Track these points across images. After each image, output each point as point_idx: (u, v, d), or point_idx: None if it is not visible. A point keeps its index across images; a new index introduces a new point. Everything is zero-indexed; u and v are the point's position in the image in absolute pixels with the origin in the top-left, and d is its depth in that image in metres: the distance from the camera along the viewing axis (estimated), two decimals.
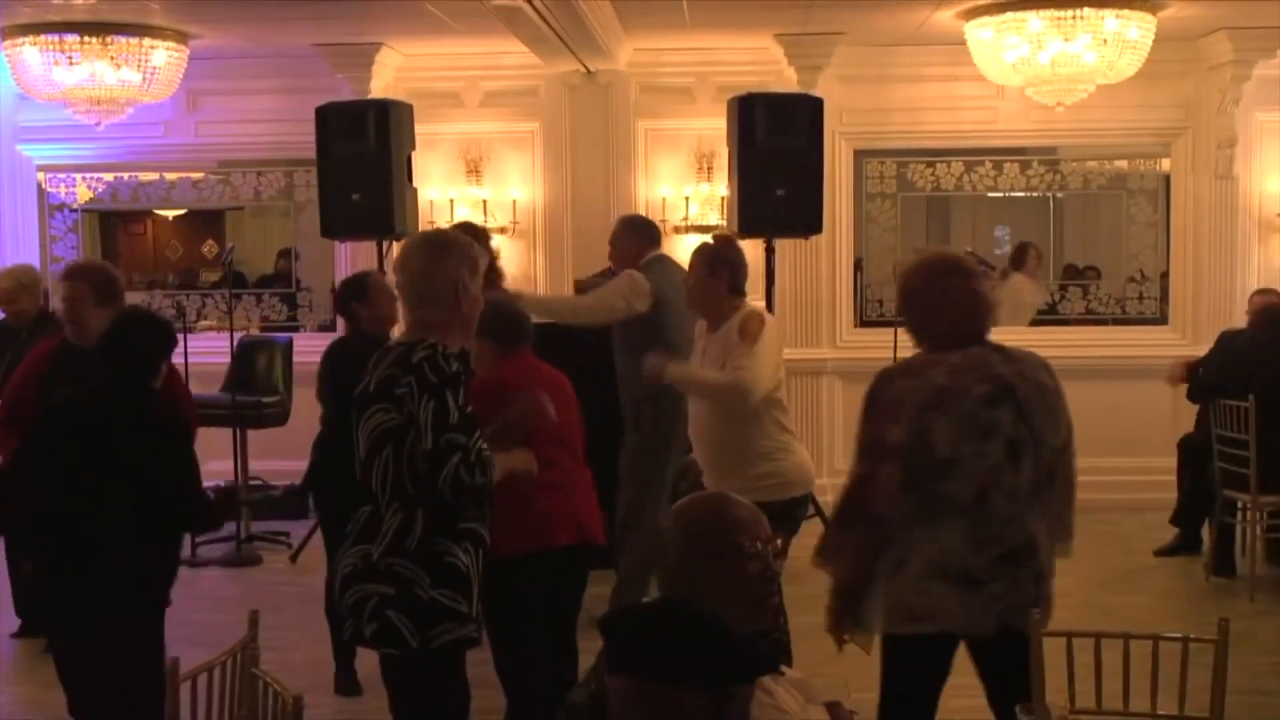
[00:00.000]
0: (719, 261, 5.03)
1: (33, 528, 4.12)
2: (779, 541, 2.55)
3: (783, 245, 8.46)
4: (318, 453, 5.56)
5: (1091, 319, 9.57)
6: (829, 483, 8.91)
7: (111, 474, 3.95)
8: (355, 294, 5.63)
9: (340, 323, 9.55)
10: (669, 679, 1.91)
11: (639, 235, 6.55)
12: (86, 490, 3.96)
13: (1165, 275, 9.42)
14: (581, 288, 7.66)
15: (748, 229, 7.75)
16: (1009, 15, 7.71)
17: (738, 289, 5.04)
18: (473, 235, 5.43)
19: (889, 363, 8.64)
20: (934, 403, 3.52)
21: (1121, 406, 9.01)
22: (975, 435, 3.50)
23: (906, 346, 9.08)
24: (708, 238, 6.56)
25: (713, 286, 4.99)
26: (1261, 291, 8.03)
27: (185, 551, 6.56)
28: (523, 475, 3.74)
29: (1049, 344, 9.03)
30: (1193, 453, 7.62)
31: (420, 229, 8.54)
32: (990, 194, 10.01)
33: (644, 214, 9.14)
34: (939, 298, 3.65)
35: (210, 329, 9.57)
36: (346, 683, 5.52)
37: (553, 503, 4.29)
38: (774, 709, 2.39)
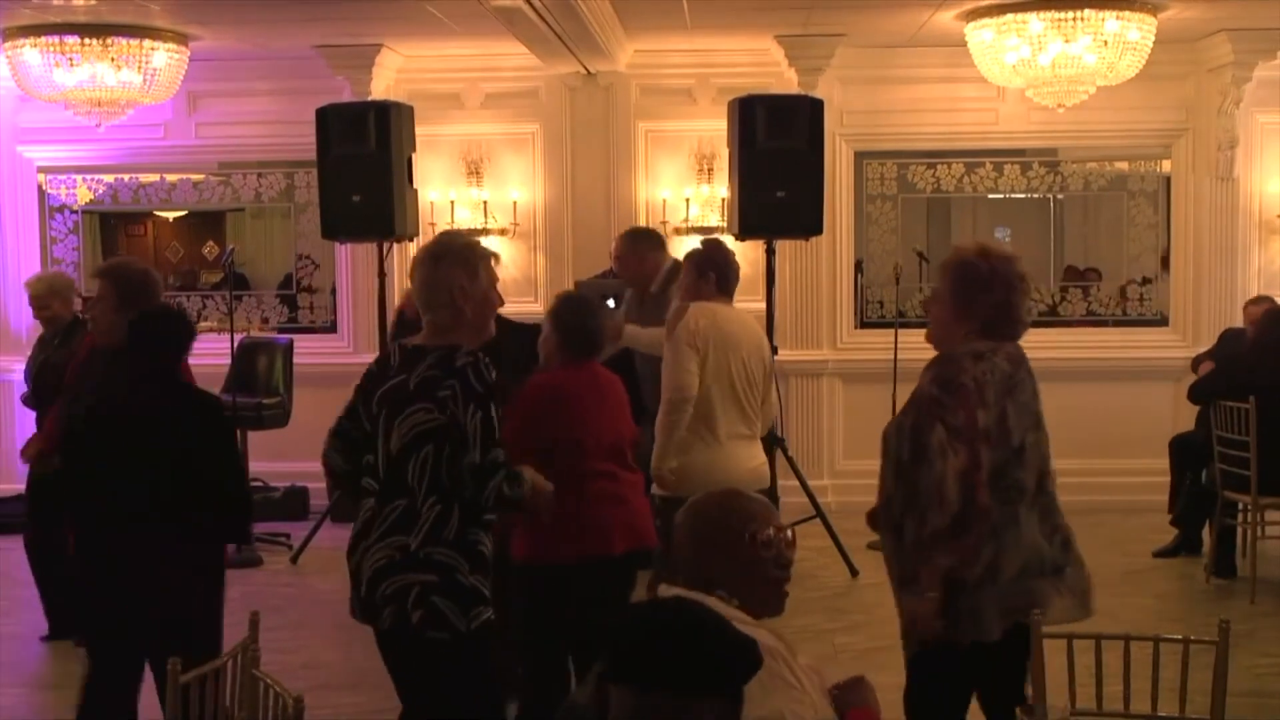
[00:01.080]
0: (708, 263, 5.30)
1: (81, 530, 4.15)
2: (789, 532, 2.60)
3: (783, 246, 8.46)
4: None
5: (1092, 320, 9.56)
6: (829, 484, 8.92)
7: (161, 466, 4.01)
8: None
9: (335, 326, 9.64)
10: (679, 688, 1.93)
11: (650, 246, 6.69)
12: (136, 486, 4.00)
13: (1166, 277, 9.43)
14: (583, 289, 7.66)
15: (748, 230, 7.75)
16: (1009, 17, 7.71)
17: (726, 290, 5.30)
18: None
19: (890, 364, 8.69)
20: (1006, 389, 3.51)
21: (1121, 408, 9.01)
22: (1032, 424, 3.56)
23: (907, 348, 9.11)
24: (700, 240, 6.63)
25: (701, 288, 5.25)
26: (1256, 300, 8.03)
27: None
28: (543, 496, 3.81)
29: (1050, 345, 9.06)
30: (1191, 453, 7.63)
31: (421, 231, 8.56)
32: (991, 195, 10.01)
33: (644, 216, 9.19)
34: (1019, 285, 3.59)
35: (211, 330, 9.56)
36: None
37: (611, 511, 4.38)
38: (781, 679, 2.42)
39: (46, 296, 6.67)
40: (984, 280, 3.55)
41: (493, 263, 3.73)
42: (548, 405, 4.30)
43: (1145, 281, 9.53)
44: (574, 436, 4.30)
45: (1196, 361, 8.09)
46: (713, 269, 5.28)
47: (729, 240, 8.10)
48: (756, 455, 5.41)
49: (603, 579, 4.31)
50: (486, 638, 3.56)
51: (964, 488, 3.38)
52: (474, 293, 3.58)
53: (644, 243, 6.79)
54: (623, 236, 7.03)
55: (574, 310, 4.51)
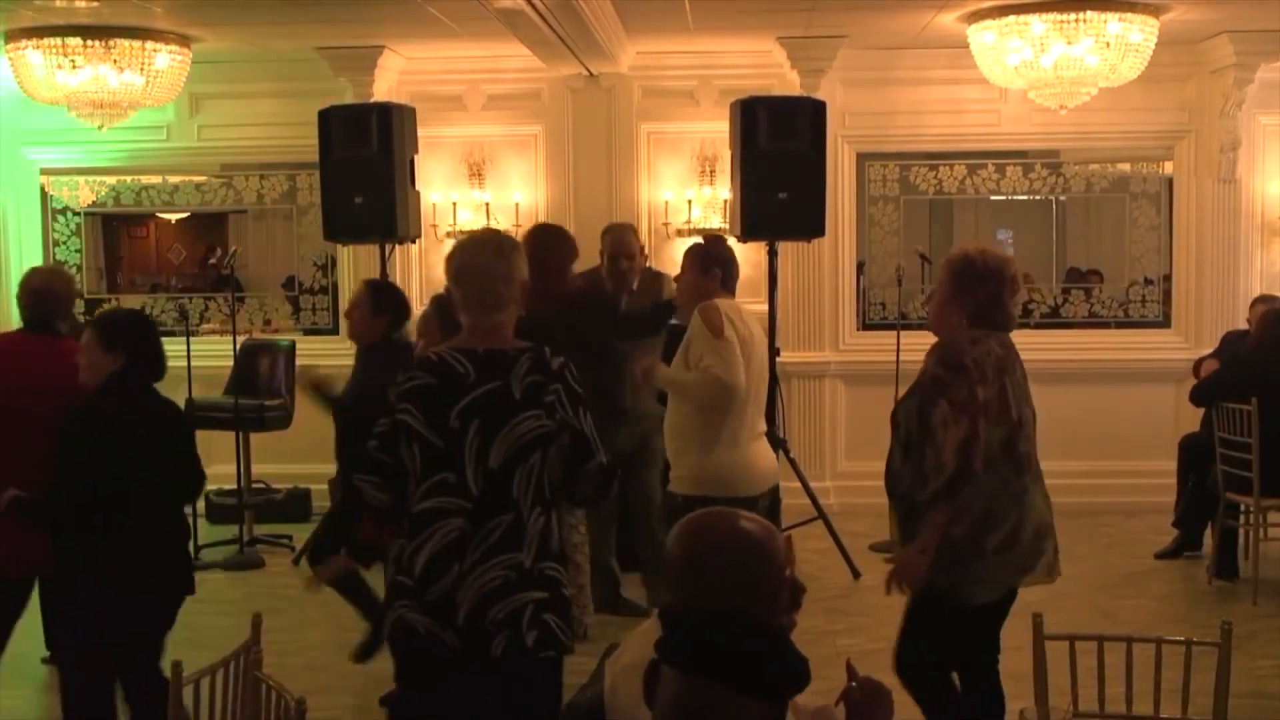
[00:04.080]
0: (712, 260, 5.17)
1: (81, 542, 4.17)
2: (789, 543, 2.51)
3: (785, 248, 8.46)
4: None
5: (1094, 322, 9.56)
6: (831, 485, 8.92)
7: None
8: None
9: (336, 328, 9.61)
10: (735, 688, 1.93)
11: None
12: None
13: (1168, 278, 9.43)
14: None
15: (750, 232, 7.74)
16: (1011, 18, 7.70)
17: (729, 288, 5.19)
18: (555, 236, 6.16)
19: (892, 366, 8.69)
20: (1002, 367, 3.92)
21: (1123, 409, 9.01)
22: (1025, 401, 4.00)
23: (910, 350, 9.11)
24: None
25: (706, 285, 5.12)
26: (1262, 299, 8.03)
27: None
28: None
29: (1051, 346, 9.06)
30: (1194, 455, 7.62)
31: (423, 232, 8.56)
32: (993, 197, 10.00)
33: (646, 218, 9.19)
34: (1009, 282, 4.01)
35: (214, 332, 9.58)
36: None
37: None
38: None
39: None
40: (978, 273, 3.98)
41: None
42: None
43: (1147, 283, 9.53)
44: None
45: (1198, 365, 8.07)
46: (717, 265, 5.16)
47: (729, 240, 8.14)
48: (771, 452, 5.41)
49: None
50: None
51: (961, 455, 3.76)
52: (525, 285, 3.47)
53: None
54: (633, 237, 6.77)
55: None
